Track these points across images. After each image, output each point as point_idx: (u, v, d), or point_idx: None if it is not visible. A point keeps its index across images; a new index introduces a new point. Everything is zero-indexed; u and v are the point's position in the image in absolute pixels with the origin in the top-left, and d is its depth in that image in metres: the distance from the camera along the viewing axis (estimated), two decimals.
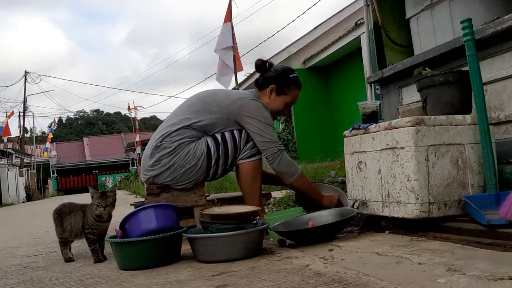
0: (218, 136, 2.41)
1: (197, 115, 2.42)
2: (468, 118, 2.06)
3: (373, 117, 2.39)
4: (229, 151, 2.40)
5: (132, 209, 2.48)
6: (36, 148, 30.43)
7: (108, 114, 64.85)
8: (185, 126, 2.40)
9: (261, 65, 2.59)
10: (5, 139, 22.07)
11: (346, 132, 2.44)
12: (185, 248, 2.09)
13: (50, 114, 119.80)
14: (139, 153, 21.76)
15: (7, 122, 20.55)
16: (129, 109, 21.73)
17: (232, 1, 7.54)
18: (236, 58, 7.45)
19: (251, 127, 2.40)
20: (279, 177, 2.52)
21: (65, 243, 2.33)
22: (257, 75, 2.63)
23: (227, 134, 2.42)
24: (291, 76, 2.58)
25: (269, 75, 2.57)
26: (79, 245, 2.93)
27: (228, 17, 7.48)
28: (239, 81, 7.96)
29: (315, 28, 12.52)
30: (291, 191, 3.28)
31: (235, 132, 2.43)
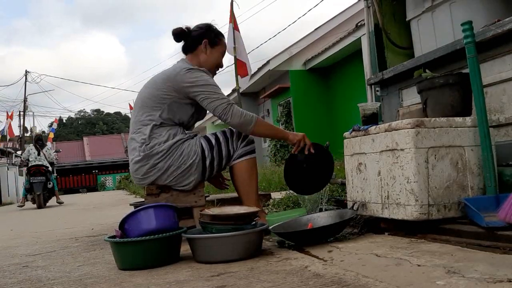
0: (212, 138, 2.42)
1: (155, 109, 2.36)
2: (468, 120, 2.06)
3: (373, 119, 2.40)
4: (223, 152, 2.41)
5: (132, 209, 2.49)
6: None
7: (108, 114, 64.82)
8: (156, 126, 2.34)
9: (181, 32, 2.54)
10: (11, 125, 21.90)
11: (346, 134, 2.44)
12: (185, 248, 2.09)
13: (51, 114, 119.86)
14: None
15: (10, 122, 20.53)
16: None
17: (233, 2, 7.53)
18: (238, 62, 7.30)
19: (198, 96, 2.34)
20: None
21: None
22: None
23: (219, 135, 2.43)
24: (214, 28, 2.60)
25: (196, 33, 2.54)
26: (79, 245, 2.93)
27: (231, 18, 7.44)
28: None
29: (316, 29, 12.54)
30: (291, 191, 3.27)
31: (227, 131, 2.45)
